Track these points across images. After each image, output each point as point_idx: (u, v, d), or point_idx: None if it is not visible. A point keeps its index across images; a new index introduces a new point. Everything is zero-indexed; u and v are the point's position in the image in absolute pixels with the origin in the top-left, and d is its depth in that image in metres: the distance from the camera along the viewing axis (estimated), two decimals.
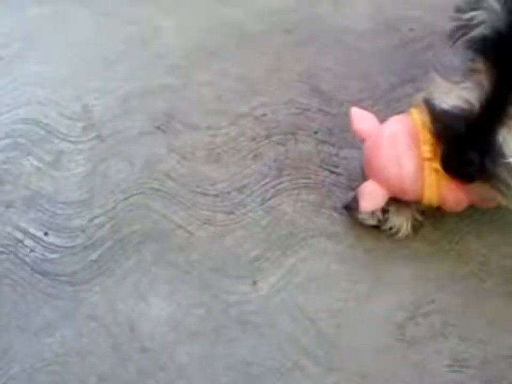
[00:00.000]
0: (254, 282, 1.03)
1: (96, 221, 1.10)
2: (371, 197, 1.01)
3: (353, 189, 1.10)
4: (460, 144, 0.90)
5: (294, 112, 1.26)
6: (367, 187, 1.01)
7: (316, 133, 1.22)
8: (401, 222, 1.05)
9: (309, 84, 1.30)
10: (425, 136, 0.96)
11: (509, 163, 0.90)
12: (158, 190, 1.14)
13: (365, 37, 1.38)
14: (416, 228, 1.06)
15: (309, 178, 1.16)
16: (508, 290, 1.00)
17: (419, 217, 1.06)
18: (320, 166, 1.17)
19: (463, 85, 0.94)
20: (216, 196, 1.14)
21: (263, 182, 1.15)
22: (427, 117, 0.95)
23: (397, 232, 1.06)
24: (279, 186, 1.15)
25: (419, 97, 1.01)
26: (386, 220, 1.06)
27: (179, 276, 1.04)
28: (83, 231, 1.09)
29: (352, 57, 1.35)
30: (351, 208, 1.09)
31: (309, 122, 1.24)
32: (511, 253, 1.03)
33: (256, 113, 1.25)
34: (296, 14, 1.42)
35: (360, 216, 1.07)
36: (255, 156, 1.19)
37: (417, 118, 0.98)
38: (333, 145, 1.20)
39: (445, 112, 0.92)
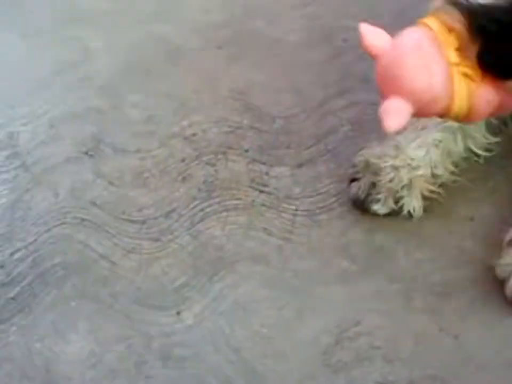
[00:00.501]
0: (178, 313, 1.01)
1: (16, 255, 1.07)
2: (396, 114, 0.89)
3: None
4: (502, 37, 0.86)
5: (225, 130, 1.23)
6: (390, 104, 0.89)
7: (246, 151, 1.20)
8: (415, 203, 1.08)
9: (241, 100, 1.28)
10: (450, 40, 0.89)
11: None
12: (82, 219, 1.11)
13: (298, 49, 1.36)
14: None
15: (239, 199, 1.13)
16: (434, 307, 0.98)
17: (433, 188, 1.08)
18: (250, 186, 1.15)
19: None
20: (143, 222, 1.11)
21: (191, 205, 1.13)
22: (456, 17, 0.88)
23: (411, 215, 1.08)
24: (208, 209, 1.12)
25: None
26: (401, 207, 1.08)
27: (100, 310, 1.01)
28: (2, 267, 1.06)
29: (285, 71, 1.33)
30: (360, 200, 1.09)
31: (240, 141, 1.22)
32: (439, 267, 1.01)
33: (186, 133, 1.23)
34: (228, 29, 1.40)
35: (374, 207, 1.08)
36: (184, 178, 1.17)
37: (436, 23, 0.90)
38: (263, 163, 1.18)
39: (484, 6, 0.87)
